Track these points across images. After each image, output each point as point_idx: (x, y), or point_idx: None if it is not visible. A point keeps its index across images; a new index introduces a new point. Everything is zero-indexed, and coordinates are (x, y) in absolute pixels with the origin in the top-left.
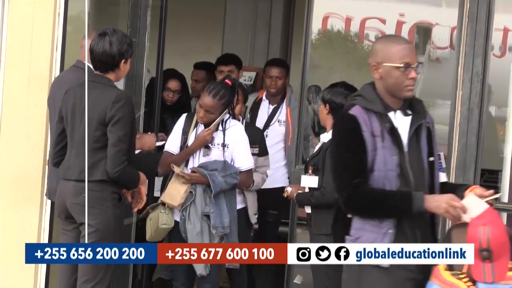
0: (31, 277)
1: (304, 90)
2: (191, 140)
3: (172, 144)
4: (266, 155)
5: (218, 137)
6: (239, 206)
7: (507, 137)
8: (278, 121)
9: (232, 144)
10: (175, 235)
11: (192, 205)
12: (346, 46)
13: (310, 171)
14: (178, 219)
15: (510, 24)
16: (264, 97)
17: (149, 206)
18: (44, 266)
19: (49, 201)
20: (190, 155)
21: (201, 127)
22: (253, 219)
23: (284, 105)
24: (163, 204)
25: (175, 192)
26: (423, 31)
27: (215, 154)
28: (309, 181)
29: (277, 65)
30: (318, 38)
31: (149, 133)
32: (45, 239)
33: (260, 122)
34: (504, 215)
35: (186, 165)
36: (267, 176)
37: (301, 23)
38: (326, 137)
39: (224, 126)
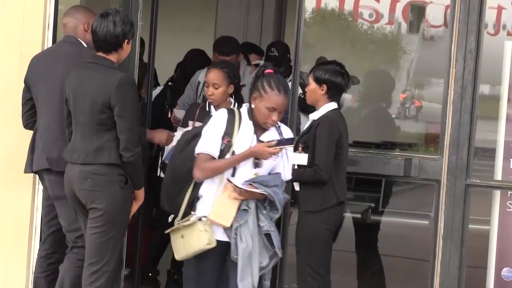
0: (24, 255)
1: (297, 68)
2: (237, 144)
3: (212, 145)
4: None
5: (270, 138)
6: None
7: (500, 115)
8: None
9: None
10: (215, 255)
11: (245, 223)
12: (340, 24)
13: (300, 148)
14: (218, 237)
15: (504, 2)
16: None
17: (179, 221)
18: (37, 244)
19: None
20: (238, 163)
21: (247, 128)
22: None
23: None
24: (199, 219)
25: (226, 210)
26: (417, 10)
27: (268, 163)
28: (299, 159)
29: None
30: (311, 17)
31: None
32: (38, 219)
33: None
34: (498, 193)
35: (233, 175)
36: None
37: (294, 1)
38: (316, 115)
39: (278, 124)
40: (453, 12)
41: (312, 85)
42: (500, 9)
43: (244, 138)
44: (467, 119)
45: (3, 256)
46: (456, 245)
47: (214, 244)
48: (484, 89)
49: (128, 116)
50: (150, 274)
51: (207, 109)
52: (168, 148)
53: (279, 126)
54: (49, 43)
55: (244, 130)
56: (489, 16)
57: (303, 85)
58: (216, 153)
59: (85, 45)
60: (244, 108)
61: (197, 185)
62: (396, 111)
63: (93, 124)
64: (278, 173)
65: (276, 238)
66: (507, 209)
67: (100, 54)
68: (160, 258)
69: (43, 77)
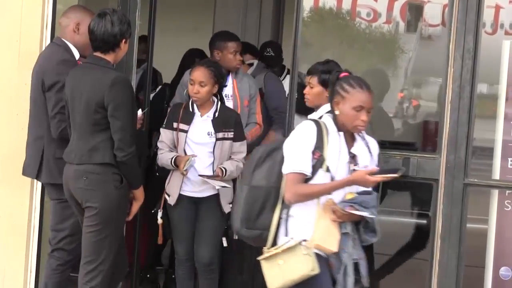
0: (22, 254)
1: (295, 67)
2: (330, 158)
3: (303, 163)
4: (242, 140)
5: (363, 156)
6: (211, 193)
7: (498, 114)
8: (225, 96)
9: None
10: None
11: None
12: (338, 23)
13: None
14: None
15: (502, 1)
16: None
17: (278, 246)
18: (35, 244)
19: None
20: (334, 191)
21: (336, 139)
22: (227, 208)
23: (230, 78)
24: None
25: (331, 233)
26: (415, 9)
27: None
28: None
29: (236, 39)
30: (309, 16)
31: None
32: (36, 218)
33: None
34: (496, 192)
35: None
36: (243, 164)
37: (292, 0)
38: (315, 116)
39: (363, 135)
40: (451, 11)
41: (317, 88)
42: (498, 8)
43: (335, 150)
44: (465, 118)
45: (1, 256)
46: (454, 244)
47: (318, 271)
48: (482, 88)
49: (121, 116)
50: (148, 276)
51: (191, 109)
52: (161, 153)
53: (363, 136)
54: (47, 43)
55: (334, 142)
56: (487, 15)
57: (300, 86)
58: (308, 171)
59: (71, 46)
60: (326, 117)
61: (285, 205)
62: (393, 110)
63: (89, 124)
64: (375, 193)
65: (364, 266)
66: (505, 208)
67: (98, 54)
68: (159, 259)
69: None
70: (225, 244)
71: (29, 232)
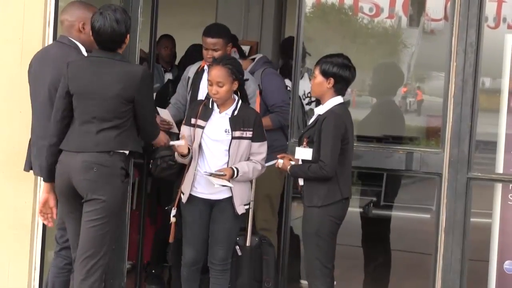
0: (27, 251)
1: (298, 63)
2: None
3: None
4: (262, 141)
5: None
6: (226, 195)
7: (501, 108)
8: None
9: None
10: None
11: None
12: (340, 18)
13: (304, 143)
14: None
15: None
16: (206, 67)
17: None
18: (39, 241)
19: None
20: None
21: None
22: (240, 209)
23: None
24: None
25: None
26: (417, 3)
27: None
28: (303, 153)
29: (212, 36)
30: (312, 11)
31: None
32: None
33: (202, 95)
34: (499, 186)
35: None
36: (262, 166)
37: None
38: (321, 109)
39: None
40: (453, 6)
41: (319, 78)
42: (500, 2)
43: None
44: (468, 113)
45: (6, 253)
46: (458, 238)
47: None
48: (485, 82)
49: (149, 107)
50: (153, 271)
51: (210, 106)
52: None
53: None
54: (49, 40)
55: None
56: (489, 9)
57: None
58: None
59: (79, 45)
60: None
61: None
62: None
63: (110, 116)
64: None
65: None
66: (509, 202)
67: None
68: (165, 255)
69: (33, 80)
70: (239, 253)
71: (33, 228)
